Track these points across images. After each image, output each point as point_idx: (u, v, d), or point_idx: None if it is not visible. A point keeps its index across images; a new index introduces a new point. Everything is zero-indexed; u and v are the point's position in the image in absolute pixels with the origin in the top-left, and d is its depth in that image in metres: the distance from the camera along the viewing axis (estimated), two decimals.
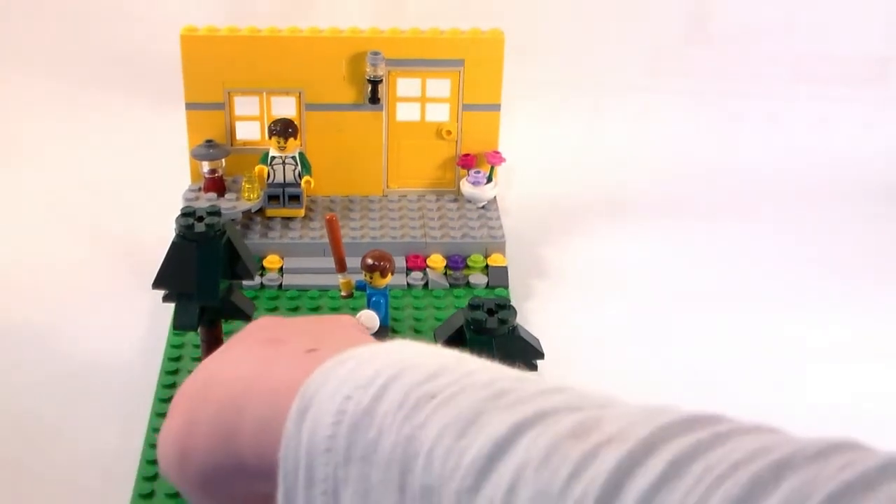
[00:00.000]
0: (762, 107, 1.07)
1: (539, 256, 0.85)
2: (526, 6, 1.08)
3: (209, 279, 0.61)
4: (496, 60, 0.82)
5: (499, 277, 0.79)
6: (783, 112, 1.06)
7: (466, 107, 0.84)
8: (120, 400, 0.67)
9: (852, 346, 0.75)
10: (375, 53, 0.80)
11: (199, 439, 0.42)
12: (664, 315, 0.78)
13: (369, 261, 0.68)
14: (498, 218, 0.83)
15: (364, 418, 0.35)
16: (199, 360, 0.67)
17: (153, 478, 0.59)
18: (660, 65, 1.10)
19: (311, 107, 0.82)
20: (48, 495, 0.60)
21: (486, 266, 0.80)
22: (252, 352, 0.44)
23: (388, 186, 0.87)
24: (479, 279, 0.78)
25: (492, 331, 0.59)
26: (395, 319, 0.74)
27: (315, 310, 0.75)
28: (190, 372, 0.67)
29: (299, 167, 0.80)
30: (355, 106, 0.83)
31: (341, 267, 0.70)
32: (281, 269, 0.78)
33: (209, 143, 0.81)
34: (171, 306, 0.63)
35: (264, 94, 0.82)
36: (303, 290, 0.77)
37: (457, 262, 0.79)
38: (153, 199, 0.88)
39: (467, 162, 0.85)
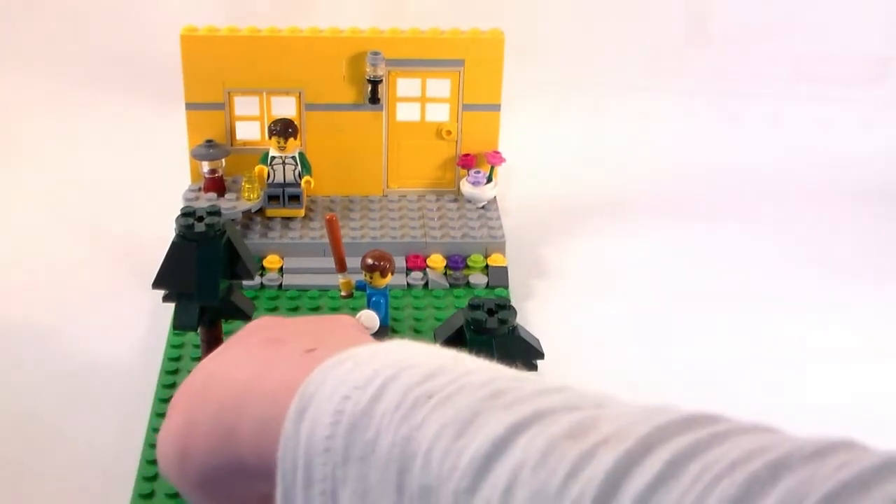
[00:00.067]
0: (762, 107, 1.07)
1: (539, 256, 0.85)
2: (526, 6, 1.08)
3: (209, 279, 0.61)
4: (496, 60, 0.82)
5: (499, 277, 0.79)
6: (783, 112, 1.06)
7: (466, 107, 0.84)
8: (120, 400, 0.67)
9: (852, 345, 0.75)
10: (375, 53, 0.80)
11: (199, 439, 0.42)
12: (664, 315, 0.78)
13: (369, 261, 0.68)
14: (498, 218, 0.83)
15: (362, 419, 0.35)
16: (199, 360, 0.67)
17: (153, 478, 0.59)
18: (660, 65, 1.10)
19: (311, 107, 0.82)
20: (48, 495, 0.60)
21: (486, 266, 0.80)
22: (251, 352, 0.44)
23: (388, 186, 0.87)
24: (479, 279, 0.78)
25: (492, 331, 0.59)
26: (395, 319, 0.74)
27: (315, 310, 0.75)
28: (190, 372, 0.67)
29: (299, 167, 0.80)
30: (355, 106, 0.83)
31: (341, 267, 0.70)
32: (281, 269, 0.78)
33: (209, 143, 0.81)
34: (171, 306, 0.63)
35: (264, 94, 0.82)
36: (303, 290, 0.77)
37: (457, 262, 0.79)
38: (153, 199, 0.89)
39: (467, 162, 0.85)
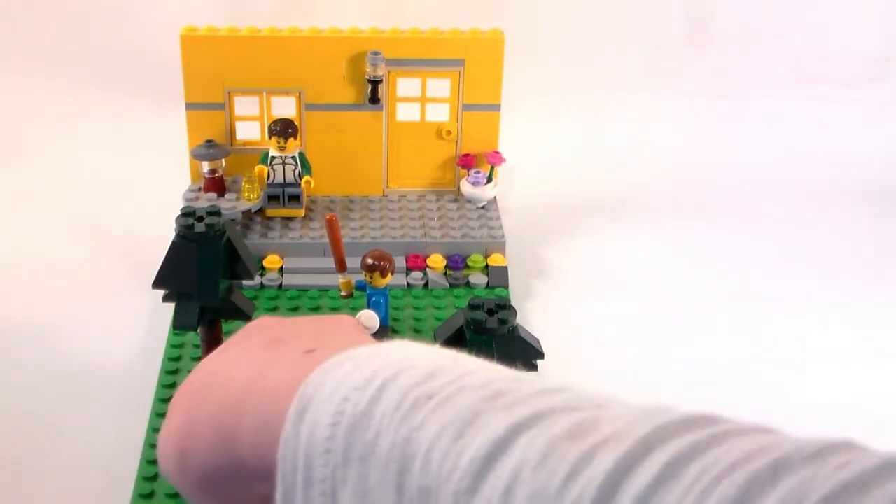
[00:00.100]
0: (762, 107, 1.07)
1: (539, 256, 0.85)
2: (526, 6, 1.08)
3: (209, 279, 0.61)
4: (496, 60, 0.82)
5: (499, 277, 0.79)
6: (783, 112, 1.06)
7: (466, 107, 0.84)
8: (120, 400, 0.67)
9: (852, 345, 0.75)
10: (375, 53, 0.80)
11: (199, 440, 0.42)
12: (664, 315, 0.78)
13: (369, 261, 0.68)
14: (498, 218, 0.83)
15: (362, 420, 0.36)
16: (199, 360, 0.67)
17: (153, 478, 0.59)
18: (660, 65, 1.10)
19: (311, 107, 0.82)
20: (48, 495, 0.60)
21: (486, 266, 0.80)
22: (251, 353, 0.44)
23: (388, 186, 0.87)
24: (479, 279, 0.78)
25: (492, 331, 0.59)
26: (395, 319, 0.74)
27: (315, 310, 0.75)
28: (190, 372, 0.67)
29: (299, 167, 0.80)
30: (355, 106, 0.83)
31: (341, 267, 0.69)
32: (281, 269, 0.78)
33: (209, 143, 0.81)
34: (171, 306, 0.63)
35: (264, 94, 0.82)
36: (303, 290, 0.77)
37: (457, 262, 0.79)
38: (153, 199, 0.88)
39: (467, 162, 0.85)
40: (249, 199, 0.81)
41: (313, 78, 0.82)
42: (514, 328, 0.60)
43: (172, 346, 0.70)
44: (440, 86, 0.83)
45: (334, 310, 0.74)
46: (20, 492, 0.61)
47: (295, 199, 0.81)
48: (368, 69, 0.81)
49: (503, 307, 0.60)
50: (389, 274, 0.69)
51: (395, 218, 0.83)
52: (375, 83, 0.81)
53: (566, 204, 0.93)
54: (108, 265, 0.81)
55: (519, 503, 0.31)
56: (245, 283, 0.72)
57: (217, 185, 0.81)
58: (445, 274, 0.79)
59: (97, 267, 0.81)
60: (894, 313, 0.80)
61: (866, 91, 1.08)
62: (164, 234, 0.65)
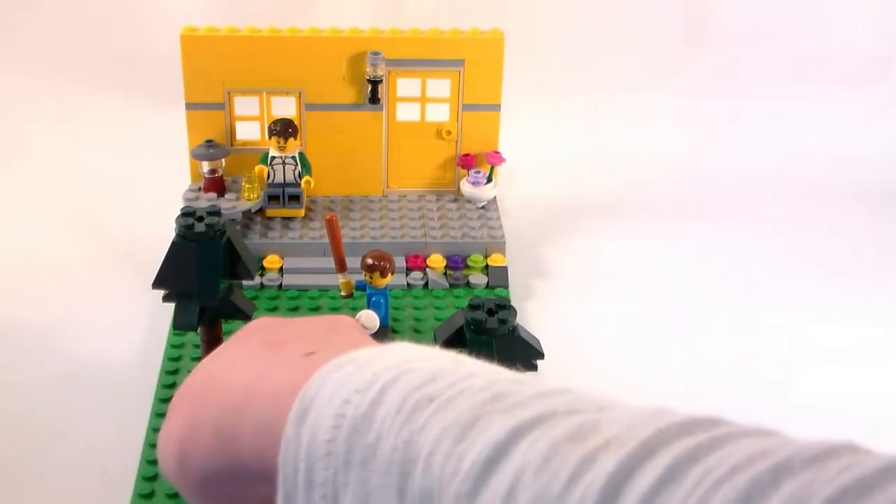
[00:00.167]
0: (762, 107, 1.07)
1: (539, 256, 0.85)
2: (526, 6, 1.08)
3: (209, 279, 0.61)
4: (496, 60, 0.82)
5: (499, 277, 0.79)
6: (783, 112, 1.06)
7: (466, 107, 0.84)
8: (120, 400, 0.67)
9: (852, 345, 0.75)
10: (375, 53, 0.80)
11: (200, 442, 0.42)
12: (664, 315, 0.78)
13: (369, 261, 0.68)
14: (498, 218, 0.83)
15: (363, 423, 0.35)
16: (199, 360, 0.67)
17: (153, 478, 0.59)
18: (660, 65, 1.10)
19: (311, 107, 0.82)
20: (48, 495, 0.60)
21: (486, 266, 0.80)
22: (251, 355, 0.44)
23: (388, 186, 0.87)
24: (479, 279, 0.78)
25: (492, 331, 0.59)
26: (395, 319, 0.74)
27: (315, 310, 0.75)
28: (190, 372, 0.67)
29: (299, 167, 0.80)
30: (355, 106, 0.83)
31: (341, 267, 0.69)
32: (281, 269, 0.78)
33: (209, 143, 0.81)
34: (171, 306, 0.63)
35: (264, 94, 0.82)
36: (303, 290, 0.77)
37: (457, 262, 0.79)
38: (153, 199, 0.88)
39: (467, 162, 0.85)
40: (249, 199, 0.81)
41: (313, 78, 0.81)
42: (514, 328, 0.60)
43: (172, 346, 0.70)
44: (440, 86, 0.83)
45: (334, 310, 0.74)
46: (20, 492, 0.61)
47: (295, 199, 0.81)
48: (368, 69, 0.81)
49: (503, 307, 0.60)
50: (389, 274, 0.69)
51: (395, 218, 0.83)
52: (375, 83, 0.81)
53: (566, 204, 0.93)
54: (108, 265, 0.81)
55: None
56: (245, 283, 0.72)
57: (217, 185, 0.81)
58: (445, 274, 0.79)
59: (97, 267, 0.81)
60: (894, 313, 0.80)
61: (866, 91, 1.08)
62: (164, 234, 0.65)
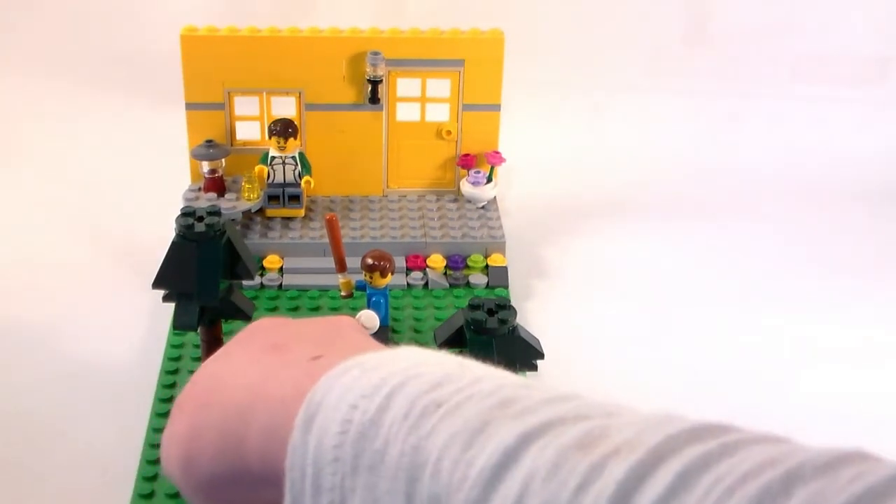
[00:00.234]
0: (762, 107, 1.07)
1: (539, 256, 0.85)
2: (526, 6, 1.08)
3: (209, 279, 0.61)
4: (496, 60, 0.82)
5: (499, 277, 0.79)
6: (783, 112, 1.06)
7: (466, 107, 0.84)
8: (120, 400, 0.67)
9: (852, 345, 0.75)
10: (375, 53, 0.80)
11: (205, 445, 0.42)
12: (664, 315, 0.78)
13: (369, 261, 0.68)
14: (498, 218, 0.83)
15: (370, 428, 0.35)
16: (199, 360, 0.67)
17: (153, 478, 0.59)
18: (660, 65, 1.10)
19: (311, 107, 0.82)
20: (48, 495, 0.60)
21: (486, 266, 0.80)
22: (256, 358, 0.44)
23: (388, 186, 0.87)
24: (479, 279, 0.78)
25: (492, 331, 0.59)
26: (395, 319, 0.74)
27: (315, 310, 0.75)
28: (190, 372, 0.67)
29: (299, 167, 0.80)
30: (355, 106, 0.83)
31: (341, 267, 0.69)
32: (281, 269, 0.78)
33: (209, 143, 0.81)
34: (171, 306, 0.63)
35: (264, 94, 0.82)
36: (303, 290, 0.77)
37: (457, 262, 0.79)
38: (153, 199, 0.88)
39: (467, 162, 0.85)
40: (249, 199, 0.81)
41: (313, 78, 0.82)
42: (514, 328, 0.60)
43: (172, 346, 0.70)
44: (440, 86, 0.83)
45: (334, 310, 0.74)
46: (20, 492, 0.61)
47: (295, 199, 0.81)
48: (368, 69, 0.81)
49: (503, 307, 0.60)
50: (389, 274, 0.68)
51: (395, 218, 0.83)
52: (375, 83, 0.81)
53: (566, 204, 0.93)
54: (108, 265, 0.81)
55: None
56: (245, 283, 0.72)
57: (217, 185, 0.81)
58: (445, 274, 0.79)
59: (97, 267, 0.81)
60: (894, 313, 0.80)
61: (866, 91, 1.08)
62: (164, 234, 0.65)
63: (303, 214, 0.82)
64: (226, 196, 0.81)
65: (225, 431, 0.41)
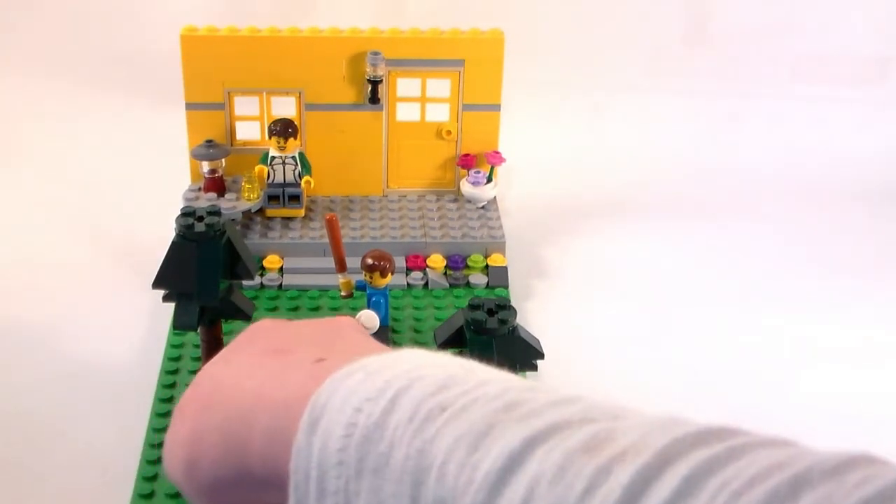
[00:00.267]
0: (762, 107, 1.07)
1: (539, 256, 0.85)
2: (526, 6, 1.08)
3: (209, 279, 0.61)
4: (496, 60, 0.82)
5: (499, 277, 0.79)
6: (783, 112, 1.06)
7: (466, 107, 0.84)
8: (120, 400, 0.67)
9: (852, 345, 0.75)
10: (375, 53, 0.80)
11: (208, 448, 0.42)
12: (664, 315, 0.78)
13: (369, 261, 0.68)
14: (498, 218, 0.83)
15: (375, 431, 0.35)
16: (199, 360, 0.67)
17: (153, 478, 0.59)
18: (660, 65, 1.10)
19: (311, 107, 0.82)
20: (48, 495, 0.60)
21: (486, 266, 0.80)
22: (258, 361, 0.44)
23: (388, 186, 0.87)
24: (479, 279, 0.78)
25: (492, 331, 0.59)
26: (395, 319, 0.74)
27: (315, 310, 0.75)
28: (190, 372, 0.67)
29: (299, 167, 0.80)
30: (355, 106, 0.83)
31: (341, 267, 0.69)
32: (281, 269, 0.78)
33: (209, 143, 0.81)
34: (171, 306, 0.63)
35: (264, 94, 0.82)
36: (303, 290, 0.77)
37: (457, 262, 0.79)
38: (153, 199, 0.88)
39: (467, 162, 0.85)
40: (249, 199, 0.81)
41: (313, 78, 0.82)
42: (514, 328, 0.60)
43: (172, 346, 0.70)
44: (440, 86, 0.83)
45: (334, 310, 0.74)
46: (20, 492, 0.60)
47: (295, 199, 0.81)
48: (368, 69, 0.81)
49: (503, 307, 0.60)
50: (389, 274, 0.68)
51: (395, 218, 0.83)
52: (375, 83, 0.81)
53: (566, 204, 0.93)
54: (108, 265, 0.81)
55: None
56: (245, 283, 0.72)
57: (217, 185, 0.81)
58: (445, 274, 0.79)
59: (97, 267, 0.81)
60: (894, 313, 0.80)
61: (866, 91, 1.08)
62: (164, 234, 0.65)
63: (303, 214, 0.82)
64: (226, 196, 0.81)
65: (227, 434, 0.41)
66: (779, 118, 1.05)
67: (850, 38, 1.09)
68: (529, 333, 0.62)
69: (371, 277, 0.68)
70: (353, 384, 0.37)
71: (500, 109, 0.84)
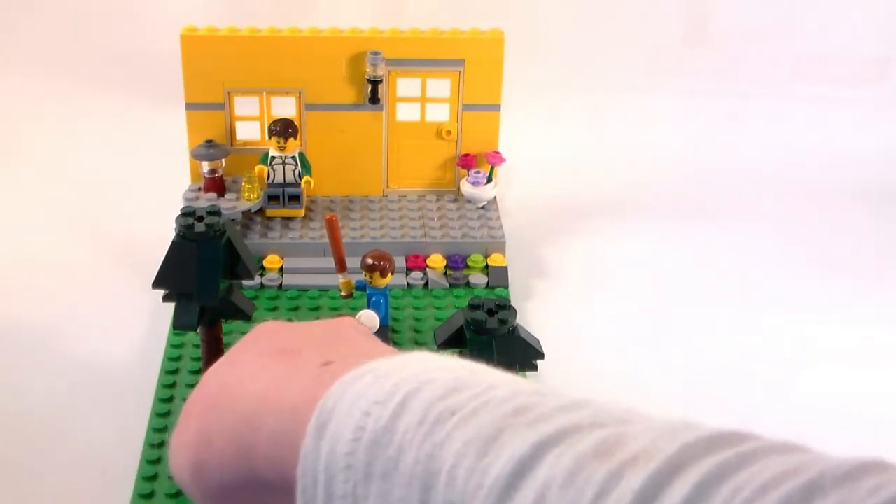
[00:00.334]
0: (762, 107, 1.07)
1: (539, 256, 0.85)
2: (526, 6, 1.08)
3: (209, 279, 0.61)
4: (496, 60, 0.82)
5: (499, 277, 0.79)
6: (783, 112, 1.06)
7: (466, 107, 0.84)
8: (120, 400, 0.67)
9: (852, 345, 0.75)
10: (375, 53, 0.80)
11: (215, 452, 0.42)
12: (664, 315, 0.78)
13: (369, 261, 0.68)
14: (498, 218, 0.83)
15: (384, 435, 0.35)
16: (199, 360, 0.67)
17: (153, 478, 0.59)
18: (660, 65, 1.10)
19: (311, 107, 0.82)
20: (48, 495, 0.60)
21: (486, 266, 0.80)
22: (264, 364, 0.43)
23: (388, 186, 0.87)
24: (479, 279, 0.78)
25: (492, 331, 0.59)
26: (395, 319, 0.74)
27: (315, 310, 0.75)
28: (190, 372, 0.67)
29: (299, 167, 0.80)
30: (355, 106, 0.83)
31: (341, 267, 0.69)
32: (281, 269, 0.78)
33: (209, 143, 0.81)
34: (171, 306, 0.63)
35: (264, 94, 0.82)
36: (303, 290, 0.77)
37: (457, 262, 0.79)
38: (153, 199, 0.88)
39: (467, 162, 0.85)
40: (249, 199, 0.81)
41: (313, 78, 0.82)
42: (514, 328, 0.60)
43: (172, 346, 0.70)
44: (440, 86, 0.83)
45: (334, 310, 0.74)
46: (20, 492, 0.61)
47: (295, 199, 0.81)
48: (368, 69, 0.81)
49: (503, 307, 0.60)
50: (389, 274, 0.68)
51: (395, 218, 0.83)
52: (375, 83, 0.81)
53: (566, 204, 0.93)
54: (108, 265, 0.81)
55: None
56: (245, 283, 0.72)
57: (217, 185, 0.81)
58: (445, 274, 0.79)
59: (97, 267, 0.81)
60: (894, 313, 0.80)
61: (866, 91, 1.08)
62: (164, 234, 0.65)
63: (303, 214, 0.82)
64: (226, 196, 0.81)
65: (234, 438, 0.41)
66: (779, 118, 1.06)
67: (850, 38, 1.10)
68: (529, 333, 0.62)
69: (371, 277, 0.68)
70: (362, 387, 0.37)
71: (500, 109, 0.84)
